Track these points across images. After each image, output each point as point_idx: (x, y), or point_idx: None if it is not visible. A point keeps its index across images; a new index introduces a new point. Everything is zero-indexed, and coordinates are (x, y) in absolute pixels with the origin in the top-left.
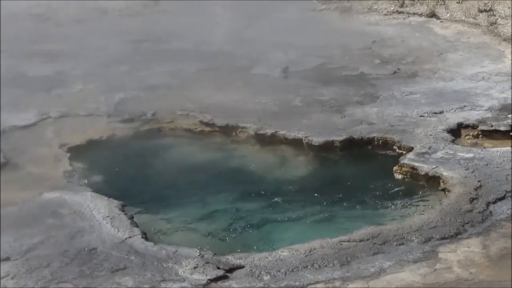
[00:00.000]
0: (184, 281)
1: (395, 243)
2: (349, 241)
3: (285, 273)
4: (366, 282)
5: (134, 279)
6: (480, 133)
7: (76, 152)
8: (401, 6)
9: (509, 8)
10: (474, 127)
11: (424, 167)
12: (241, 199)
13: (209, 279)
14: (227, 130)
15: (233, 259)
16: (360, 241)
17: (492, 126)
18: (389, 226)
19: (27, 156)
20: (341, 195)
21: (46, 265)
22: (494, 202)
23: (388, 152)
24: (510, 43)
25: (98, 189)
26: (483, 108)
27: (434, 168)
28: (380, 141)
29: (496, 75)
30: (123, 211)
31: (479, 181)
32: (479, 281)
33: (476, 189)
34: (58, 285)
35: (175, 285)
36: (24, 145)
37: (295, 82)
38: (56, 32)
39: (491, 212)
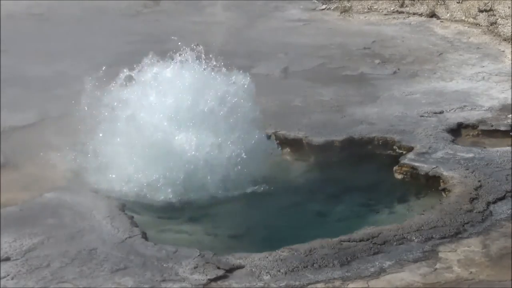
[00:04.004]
0: (184, 281)
1: (395, 243)
2: (349, 241)
3: (285, 273)
4: (366, 282)
5: (134, 279)
6: (480, 133)
7: (76, 151)
8: (401, 6)
9: (509, 8)
10: (474, 127)
11: (424, 167)
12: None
13: (209, 279)
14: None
15: (233, 259)
16: (360, 241)
17: (492, 126)
18: (389, 226)
19: (27, 156)
20: (340, 194)
21: (46, 265)
22: (494, 202)
23: (388, 152)
24: (510, 43)
25: (98, 189)
26: (483, 108)
27: (434, 168)
28: (380, 141)
29: (496, 75)
30: (123, 211)
31: (479, 181)
32: (479, 280)
33: (476, 189)
34: (58, 285)
35: (175, 285)
36: (24, 145)
37: (295, 82)
38: (56, 32)
39: (491, 212)
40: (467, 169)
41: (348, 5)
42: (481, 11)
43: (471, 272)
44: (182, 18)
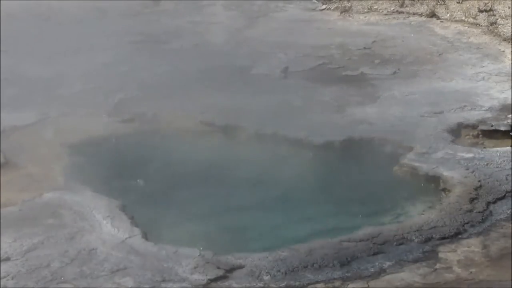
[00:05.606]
0: (184, 281)
1: (395, 243)
2: (349, 241)
3: (285, 273)
4: (366, 282)
5: (134, 279)
6: (480, 133)
7: (76, 152)
8: (401, 6)
9: (509, 8)
10: (474, 127)
11: (424, 167)
12: (241, 198)
13: (209, 279)
14: (228, 130)
15: (233, 259)
16: (360, 241)
17: (492, 126)
18: (389, 226)
19: (27, 156)
20: (341, 194)
21: (46, 265)
22: (494, 202)
23: (388, 152)
24: (510, 43)
25: (98, 188)
26: (483, 108)
27: (434, 168)
28: (380, 141)
29: (496, 75)
30: (123, 211)
31: (479, 181)
32: (479, 281)
33: (476, 189)
34: (58, 285)
35: (175, 285)
36: (24, 145)
37: (295, 82)
38: (56, 32)
39: (491, 212)
40: (467, 169)
41: (348, 5)
42: (481, 11)
43: (471, 272)
44: (182, 18)
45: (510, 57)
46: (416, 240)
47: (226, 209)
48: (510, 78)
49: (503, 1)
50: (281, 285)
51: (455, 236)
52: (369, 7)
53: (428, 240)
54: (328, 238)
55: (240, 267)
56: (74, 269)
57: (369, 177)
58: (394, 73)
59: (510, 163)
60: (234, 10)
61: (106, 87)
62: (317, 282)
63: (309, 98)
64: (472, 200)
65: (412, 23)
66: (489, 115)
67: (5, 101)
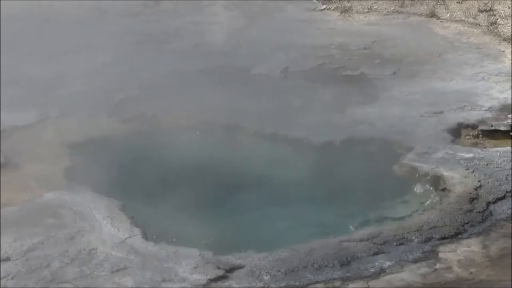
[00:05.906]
0: (184, 281)
1: (395, 243)
2: (349, 241)
3: (285, 273)
4: (366, 282)
5: (134, 279)
6: (480, 133)
7: (76, 152)
8: (401, 6)
9: (509, 8)
10: (474, 127)
11: (424, 167)
12: (241, 198)
13: (209, 279)
14: (228, 130)
15: (233, 259)
16: (360, 241)
17: (492, 126)
18: (389, 226)
19: (27, 156)
20: (341, 195)
21: (46, 265)
22: (494, 202)
23: (388, 152)
24: (510, 43)
25: (98, 189)
26: (483, 108)
27: (434, 168)
28: (380, 141)
29: (496, 75)
30: (123, 211)
31: (479, 181)
32: (479, 280)
33: (476, 189)
34: (58, 285)
35: (175, 285)
36: (24, 145)
37: (295, 82)
38: (56, 32)
39: (491, 212)
40: (467, 169)
41: (348, 5)
42: (481, 11)
43: (471, 272)
44: (182, 18)
45: (510, 57)
46: (416, 240)
47: (227, 209)
48: (510, 78)
49: (503, 1)
50: (281, 285)
51: (455, 236)
52: (369, 7)
53: (428, 240)
54: (328, 238)
55: (240, 267)
56: (74, 269)
57: (369, 177)
58: (394, 73)
59: (510, 163)
60: (234, 10)
61: (106, 87)
62: (317, 282)
63: (309, 98)
64: (472, 200)
65: (412, 23)
66: (489, 115)
67: (5, 101)
